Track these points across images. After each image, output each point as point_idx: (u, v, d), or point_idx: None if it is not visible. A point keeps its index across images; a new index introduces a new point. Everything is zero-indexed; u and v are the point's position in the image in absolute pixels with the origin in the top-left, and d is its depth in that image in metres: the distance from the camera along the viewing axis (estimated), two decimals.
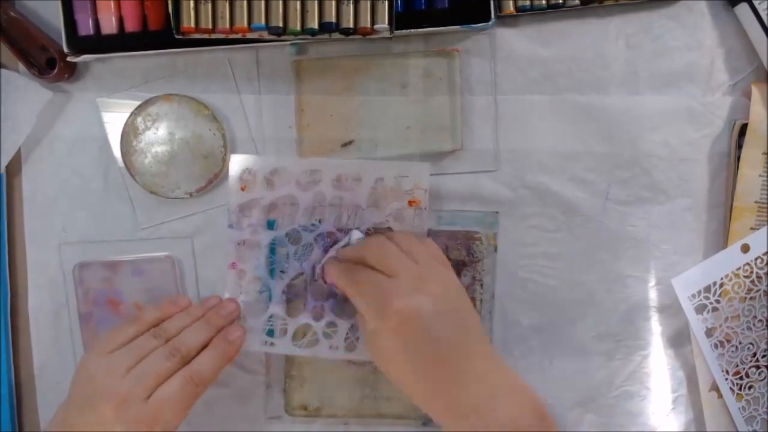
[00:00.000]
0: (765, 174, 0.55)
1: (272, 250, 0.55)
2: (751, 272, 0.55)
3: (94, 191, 0.56)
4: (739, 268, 0.55)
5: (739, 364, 0.55)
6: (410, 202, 0.54)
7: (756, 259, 0.55)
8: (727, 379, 0.55)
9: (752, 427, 0.56)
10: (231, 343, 0.51)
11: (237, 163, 0.54)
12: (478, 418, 0.44)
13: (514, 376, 0.47)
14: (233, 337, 0.51)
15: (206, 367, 0.49)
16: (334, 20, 0.50)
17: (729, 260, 0.55)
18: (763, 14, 0.52)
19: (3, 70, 0.55)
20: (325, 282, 0.53)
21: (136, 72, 0.56)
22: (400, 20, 0.52)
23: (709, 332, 0.55)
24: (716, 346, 0.55)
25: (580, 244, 0.56)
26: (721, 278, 0.55)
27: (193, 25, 0.50)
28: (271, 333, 0.54)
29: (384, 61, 0.55)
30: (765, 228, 0.54)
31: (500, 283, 0.56)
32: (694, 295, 0.55)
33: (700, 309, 0.55)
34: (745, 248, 0.55)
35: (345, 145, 0.55)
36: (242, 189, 0.54)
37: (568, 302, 0.57)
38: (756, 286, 0.55)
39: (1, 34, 0.54)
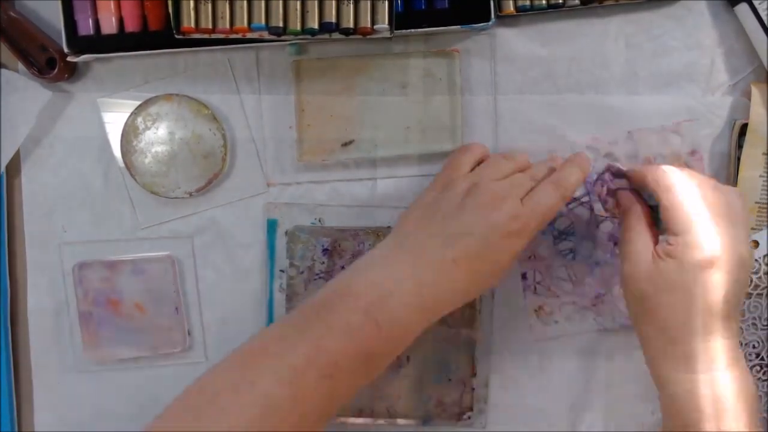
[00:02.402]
0: (765, 174, 0.55)
1: None
2: (758, 269, 0.55)
3: (94, 191, 0.56)
4: None
5: None
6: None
7: (764, 256, 0.55)
8: None
9: None
10: (586, 158, 0.51)
11: None
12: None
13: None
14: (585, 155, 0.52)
15: (571, 176, 0.49)
16: (334, 20, 0.50)
17: None
18: (763, 14, 0.52)
19: (3, 70, 0.55)
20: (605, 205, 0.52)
21: (136, 72, 0.56)
22: (400, 20, 0.52)
23: None
24: None
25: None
26: None
27: (193, 25, 0.50)
28: None
29: (384, 61, 0.55)
30: None
31: (500, 281, 0.56)
32: None
33: None
34: (755, 244, 0.55)
35: (345, 145, 0.55)
36: None
37: None
38: (762, 283, 0.55)
39: (1, 34, 0.54)
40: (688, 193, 0.46)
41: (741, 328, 0.55)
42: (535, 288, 0.56)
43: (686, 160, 0.54)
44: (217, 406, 0.43)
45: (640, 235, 0.48)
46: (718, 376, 0.45)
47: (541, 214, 0.47)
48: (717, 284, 0.45)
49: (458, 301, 0.47)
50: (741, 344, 0.55)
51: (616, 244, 0.55)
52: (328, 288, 0.47)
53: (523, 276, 0.56)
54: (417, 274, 0.45)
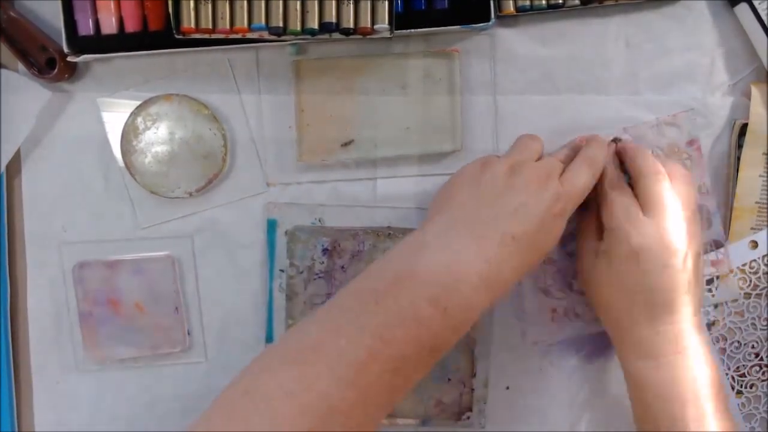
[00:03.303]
0: (765, 174, 0.55)
1: None
2: (758, 269, 0.55)
3: (94, 191, 0.56)
4: (745, 264, 0.55)
5: (741, 361, 0.55)
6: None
7: (764, 256, 0.55)
8: (727, 374, 0.55)
9: (751, 424, 0.55)
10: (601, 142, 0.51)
11: None
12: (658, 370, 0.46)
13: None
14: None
15: (597, 152, 0.49)
16: (334, 20, 0.50)
17: (736, 255, 0.55)
18: (763, 14, 0.52)
19: (3, 70, 0.55)
20: None
21: (136, 72, 0.56)
22: (399, 20, 0.52)
23: (709, 326, 0.55)
24: (717, 340, 0.55)
25: None
26: (726, 272, 0.55)
27: (193, 25, 0.50)
28: None
29: (384, 61, 0.55)
30: None
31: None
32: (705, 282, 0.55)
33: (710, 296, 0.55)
34: (754, 245, 0.55)
35: (345, 145, 0.55)
36: None
37: None
38: (762, 283, 0.55)
39: (1, 34, 0.54)
40: (617, 189, 0.49)
41: (740, 328, 0.55)
42: (546, 291, 0.56)
43: (685, 151, 0.54)
44: (270, 412, 0.39)
45: (587, 233, 0.51)
46: (669, 361, 0.46)
47: (578, 195, 0.47)
48: (645, 274, 0.46)
49: (515, 279, 0.45)
50: (740, 344, 0.55)
51: None
52: (384, 270, 0.44)
53: (535, 279, 0.56)
54: (483, 253, 0.43)
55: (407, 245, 0.45)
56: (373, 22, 0.50)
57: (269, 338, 0.56)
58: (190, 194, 0.55)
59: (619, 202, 0.48)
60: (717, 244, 0.55)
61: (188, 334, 0.57)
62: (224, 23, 0.50)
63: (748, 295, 0.55)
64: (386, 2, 0.50)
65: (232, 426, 0.39)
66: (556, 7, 0.53)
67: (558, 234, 0.47)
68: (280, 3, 0.50)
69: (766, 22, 0.52)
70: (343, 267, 0.56)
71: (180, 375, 0.57)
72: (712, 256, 0.55)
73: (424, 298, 0.42)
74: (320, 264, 0.56)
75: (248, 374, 0.42)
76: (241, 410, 0.40)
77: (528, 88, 0.55)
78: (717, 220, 0.55)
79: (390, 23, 0.50)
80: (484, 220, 0.45)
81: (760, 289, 0.55)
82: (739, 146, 0.54)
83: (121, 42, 0.53)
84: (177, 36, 0.50)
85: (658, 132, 0.54)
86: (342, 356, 0.40)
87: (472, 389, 0.56)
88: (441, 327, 0.42)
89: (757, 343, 0.55)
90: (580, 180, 0.47)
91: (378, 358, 0.40)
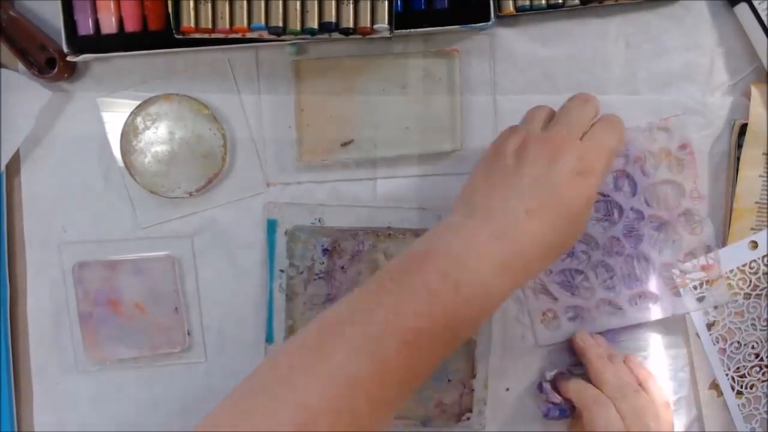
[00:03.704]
0: (765, 174, 0.55)
1: None
2: (758, 269, 0.55)
3: (94, 191, 0.56)
4: (745, 265, 0.55)
5: (741, 361, 0.55)
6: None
7: (764, 256, 0.55)
8: (727, 375, 0.55)
9: (751, 425, 0.55)
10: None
11: None
12: None
13: None
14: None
15: (618, 119, 0.48)
16: (334, 20, 0.50)
17: (736, 255, 0.55)
18: (762, 14, 0.52)
19: (3, 70, 0.55)
20: (557, 396, 0.54)
21: (136, 72, 0.56)
22: (399, 20, 0.52)
23: (709, 326, 0.55)
24: (717, 341, 0.55)
25: None
26: (726, 273, 0.55)
27: (193, 25, 0.50)
28: None
29: (384, 61, 0.55)
30: None
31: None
32: (696, 287, 0.55)
33: (701, 301, 0.55)
34: (754, 245, 0.55)
35: (344, 144, 0.55)
36: None
37: None
38: (761, 283, 0.55)
39: (1, 34, 0.54)
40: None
41: (740, 329, 0.55)
42: (537, 293, 0.56)
43: (677, 155, 0.54)
44: (290, 383, 0.40)
45: None
46: None
47: (605, 152, 0.45)
48: None
49: (544, 254, 0.44)
50: (740, 345, 0.55)
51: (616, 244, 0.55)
52: (403, 255, 0.45)
53: (536, 279, 0.56)
54: (491, 229, 0.43)
55: (425, 236, 0.46)
56: (372, 22, 0.50)
57: (269, 338, 0.56)
58: (190, 194, 0.55)
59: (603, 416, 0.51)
60: (708, 249, 0.55)
61: (188, 334, 0.57)
62: (224, 23, 0.50)
63: (747, 296, 0.55)
64: (386, 2, 0.50)
65: (257, 397, 0.41)
66: (556, 7, 0.53)
67: (586, 197, 0.44)
68: (280, 3, 0.50)
69: (766, 22, 0.52)
70: (343, 267, 0.56)
71: (180, 375, 0.57)
72: (702, 260, 0.55)
73: (434, 272, 0.42)
74: (320, 264, 0.56)
75: (279, 351, 0.44)
76: (266, 382, 0.42)
77: (528, 88, 0.55)
78: (708, 225, 0.55)
79: (390, 23, 0.50)
80: (495, 201, 0.44)
81: (760, 290, 0.55)
82: (739, 146, 0.54)
83: (121, 42, 0.53)
84: (177, 36, 0.50)
85: (650, 136, 0.54)
86: (358, 329, 0.42)
87: (472, 390, 0.56)
88: (453, 302, 0.42)
89: (757, 343, 0.55)
90: (607, 139, 0.46)
91: (393, 331, 0.41)
